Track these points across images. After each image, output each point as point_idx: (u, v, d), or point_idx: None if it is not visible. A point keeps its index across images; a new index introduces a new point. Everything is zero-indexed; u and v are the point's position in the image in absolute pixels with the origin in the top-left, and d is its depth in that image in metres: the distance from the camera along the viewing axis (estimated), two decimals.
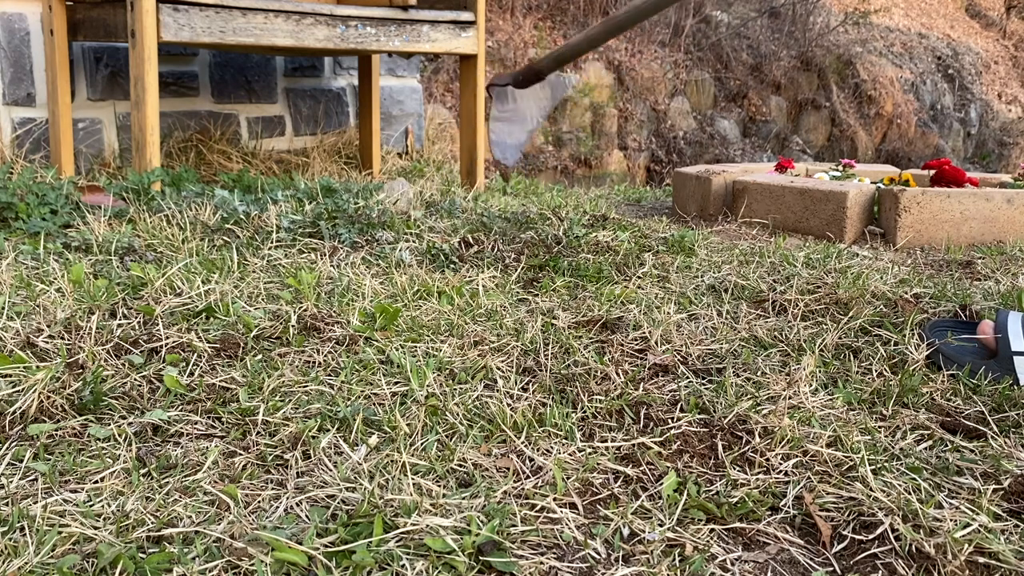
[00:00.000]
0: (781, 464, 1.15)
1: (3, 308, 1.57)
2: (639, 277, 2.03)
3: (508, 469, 1.12)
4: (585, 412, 1.29)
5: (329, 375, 1.40)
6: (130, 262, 1.96)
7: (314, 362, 1.46)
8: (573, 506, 1.04)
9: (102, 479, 1.07)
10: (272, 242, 2.16)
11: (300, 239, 2.20)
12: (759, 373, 1.46)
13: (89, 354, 1.39)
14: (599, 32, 2.46)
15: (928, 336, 1.57)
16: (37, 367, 1.32)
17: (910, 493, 1.07)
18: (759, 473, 1.13)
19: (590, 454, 1.16)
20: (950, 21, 12.24)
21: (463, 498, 1.03)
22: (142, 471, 1.09)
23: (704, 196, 3.10)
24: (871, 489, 1.07)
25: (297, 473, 1.10)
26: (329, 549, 0.91)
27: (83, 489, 1.04)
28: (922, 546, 0.96)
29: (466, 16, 3.25)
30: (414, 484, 1.04)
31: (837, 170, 3.37)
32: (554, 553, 0.95)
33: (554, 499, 1.05)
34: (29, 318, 1.56)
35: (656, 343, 1.59)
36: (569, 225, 2.44)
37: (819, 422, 1.26)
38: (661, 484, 1.09)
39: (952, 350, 1.51)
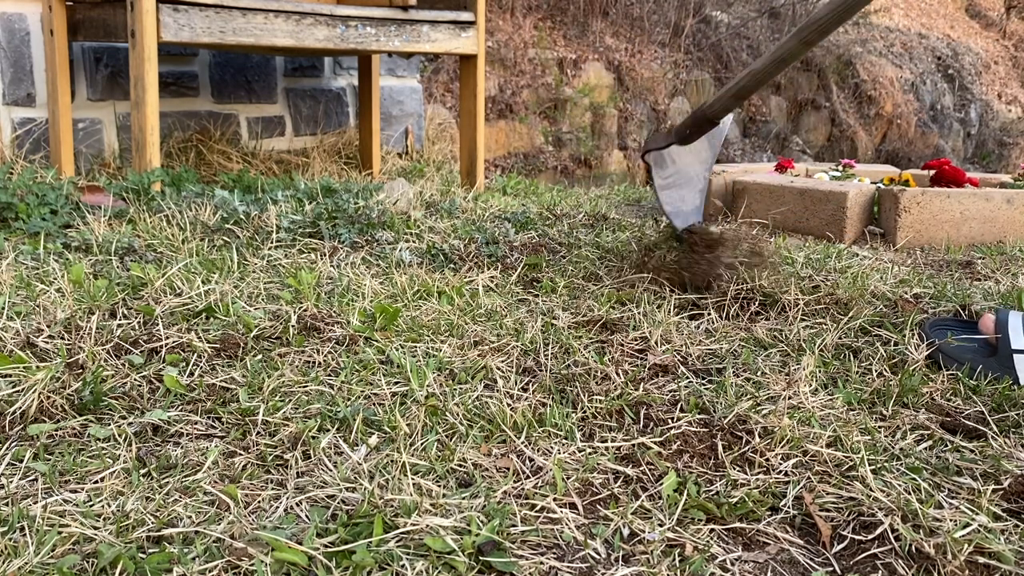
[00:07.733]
0: (781, 464, 1.15)
1: (3, 308, 1.57)
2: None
3: (508, 469, 1.12)
4: (585, 412, 1.29)
5: (329, 375, 1.40)
6: (130, 262, 1.96)
7: (314, 362, 1.46)
8: (573, 506, 1.04)
9: (102, 479, 1.07)
10: (272, 242, 2.16)
11: (300, 239, 2.20)
12: (759, 373, 1.46)
13: (89, 354, 1.39)
14: (769, 64, 1.95)
15: (928, 335, 1.57)
16: (37, 367, 1.32)
17: (910, 493, 1.07)
18: (759, 473, 1.13)
19: (590, 454, 1.16)
20: (950, 21, 12.24)
21: (463, 498, 1.03)
22: (142, 471, 1.09)
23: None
24: (871, 489, 1.07)
25: (297, 473, 1.10)
26: (329, 549, 0.91)
27: (83, 489, 1.04)
28: (922, 546, 0.96)
29: (466, 16, 3.25)
30: (414, 484, 1.04)
31: (837, 170, 3.36)
32: (554, 553, 0.95)
33: (554, 499, 1.05)
34: (29, 318, 1.56)
35: (656, 343, 1.59)
36: (569, 226, 2.44)
37: (819, 422, 1.26)
38: (661, 484, 1.09)
39: (952, 348, 1.51)
